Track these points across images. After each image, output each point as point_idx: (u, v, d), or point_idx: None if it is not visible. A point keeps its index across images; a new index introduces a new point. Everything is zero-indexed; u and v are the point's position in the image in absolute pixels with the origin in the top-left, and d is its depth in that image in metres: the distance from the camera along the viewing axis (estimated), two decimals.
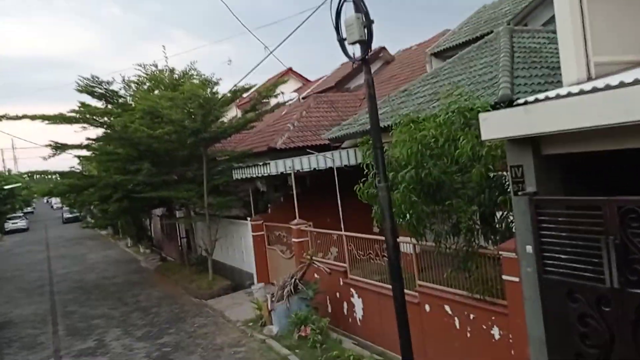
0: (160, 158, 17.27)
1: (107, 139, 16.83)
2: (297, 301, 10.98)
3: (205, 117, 14.99)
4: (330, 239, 12.73)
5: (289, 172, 13.58)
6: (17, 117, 15.23)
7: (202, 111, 14.85)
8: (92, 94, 17.30)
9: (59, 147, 16.12)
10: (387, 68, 24.49)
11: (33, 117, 15.55)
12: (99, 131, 17.13)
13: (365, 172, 8.42)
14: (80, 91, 17.12)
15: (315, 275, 12.17)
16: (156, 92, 17.22)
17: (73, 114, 16.04)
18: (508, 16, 15.82)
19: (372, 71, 24.07)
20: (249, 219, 16.20)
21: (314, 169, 13.70)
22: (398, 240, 7.34)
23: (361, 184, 8.05)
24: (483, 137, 6.26)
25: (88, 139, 16.76)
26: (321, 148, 16.70)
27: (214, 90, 15.39)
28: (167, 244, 25.04)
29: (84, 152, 17.73)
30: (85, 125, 16.49)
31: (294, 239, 13.59)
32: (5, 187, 40.69)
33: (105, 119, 16.81)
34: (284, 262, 14.95)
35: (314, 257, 11.54)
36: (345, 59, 7.33)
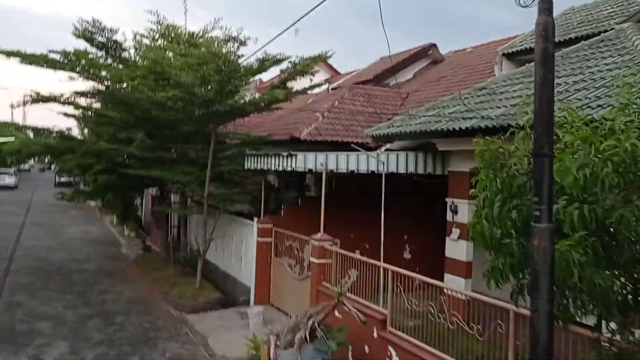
0: (160, 130, 14.09)
1: (97, 95, 13.61)
2: (312, 352, 7.78)
3: (222, 86, 11.76)
4: (355, 262, 9.59)
5: (320, 170, 10.38)
6: None
7: (219, 77, 11.63)
8: (91, 41, 14.07)
9: (37, 99, 12.90)
10: (435, 68, 21.36)
11: (8, 53, 12.35)
12: (90, 85, 13.85)
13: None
14: (78, 36, 13.91)
15: (337, 314, 8.98)
16: (169, 54, 13.98)
17: (60, 58, 12.82)
18: (615, 18, 12.69)
19: (417, 70, 20.62)
20: (255, 219, 13.02)
21: (352, 172, 10.49)
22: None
23: (480, 218, 4.66)
24: None
25: (76, 92, 13.44)
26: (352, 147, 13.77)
27: (238, 52, 12.03)
28: (155, 230, 21.85)
29: (67, 109, 14.46)
30: (73, 74, 13.23)
31: (313, 259, 10.40)
32: None
33: (101, 72, 13.58)
34: (293, 282, 11.77)
35: (344, 293, 8.31)
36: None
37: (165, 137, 14.27)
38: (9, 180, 48.38)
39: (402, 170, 10.10)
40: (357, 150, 10.19)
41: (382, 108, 17.07)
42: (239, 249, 14.10)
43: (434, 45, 22.24)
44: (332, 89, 22.49)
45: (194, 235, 16.08)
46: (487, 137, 4.72)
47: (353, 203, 13.35)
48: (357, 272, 9.96)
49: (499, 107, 8.94)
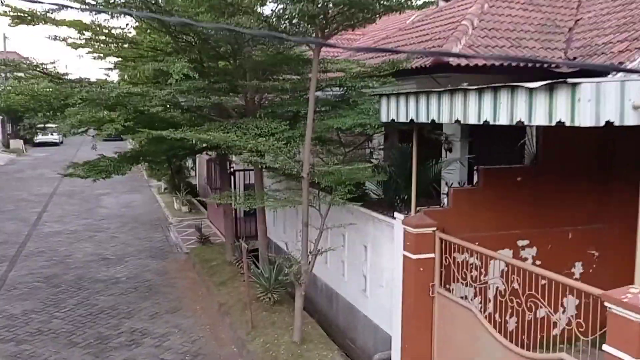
0: (216, 58, 8.07)
1: None
2: None
3: None
4: None
5: None
6: None
7: None
8: None
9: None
10: None
11: None
12: None
13: None
14: None
15: None
16: None
17: None
18: None
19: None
20: (397, 216, 6.91)
21: None
22: None
23: None
24: None
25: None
26: (535, 73, 7.98)
27: None
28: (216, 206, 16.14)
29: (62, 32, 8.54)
30: None
31: (612, 349, 4.20)
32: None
33: None
34: (501, 354, 5.66)
35: None
36: None
37: (226, 72, 8.24)
38: (54, 136, 44.60)
39: None
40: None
41: (554, 14, 10.63)
42: (362, 259, 8.14)
43: None
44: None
45: (284, 234, 10.25)
46: None
47: (573, 178, 7.25)
48: None
49: None
